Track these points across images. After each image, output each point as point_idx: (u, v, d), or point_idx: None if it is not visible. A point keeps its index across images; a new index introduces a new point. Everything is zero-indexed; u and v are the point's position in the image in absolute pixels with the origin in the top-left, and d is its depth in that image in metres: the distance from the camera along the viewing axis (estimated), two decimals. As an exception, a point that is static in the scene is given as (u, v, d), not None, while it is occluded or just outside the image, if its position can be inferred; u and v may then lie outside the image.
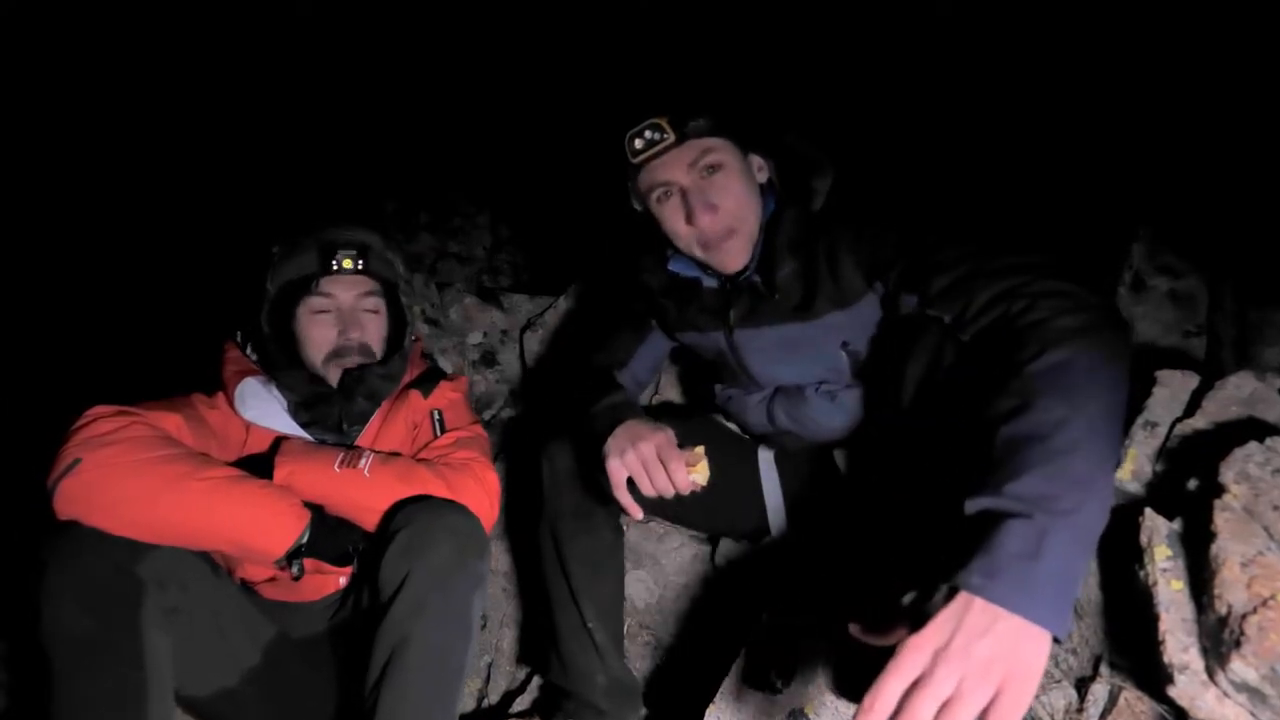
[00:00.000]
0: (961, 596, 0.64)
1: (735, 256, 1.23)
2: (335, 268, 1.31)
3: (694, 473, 1.10)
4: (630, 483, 1.12)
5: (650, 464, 1.10)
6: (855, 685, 0.93)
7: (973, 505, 0.72)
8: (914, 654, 0.62)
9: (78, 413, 1.11)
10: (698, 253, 1.24)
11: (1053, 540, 0.65)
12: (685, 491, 1.10)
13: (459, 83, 3.24)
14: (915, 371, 1.04)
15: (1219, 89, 1.75)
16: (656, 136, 1.16)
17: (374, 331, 1.37)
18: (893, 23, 2.48)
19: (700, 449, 1.12)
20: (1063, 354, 0.81)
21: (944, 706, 0.59)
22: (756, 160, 1.28)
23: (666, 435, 1.14)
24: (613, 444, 1.14)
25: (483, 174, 3.44)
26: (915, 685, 0.60)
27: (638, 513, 1.14)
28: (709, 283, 1.33)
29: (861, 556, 1.08)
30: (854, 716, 0.61)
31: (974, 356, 0.96)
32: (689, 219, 1.19)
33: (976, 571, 0.64)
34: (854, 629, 0.73)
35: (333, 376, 1.33)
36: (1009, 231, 1.11)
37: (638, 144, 1.17)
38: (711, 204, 1.17)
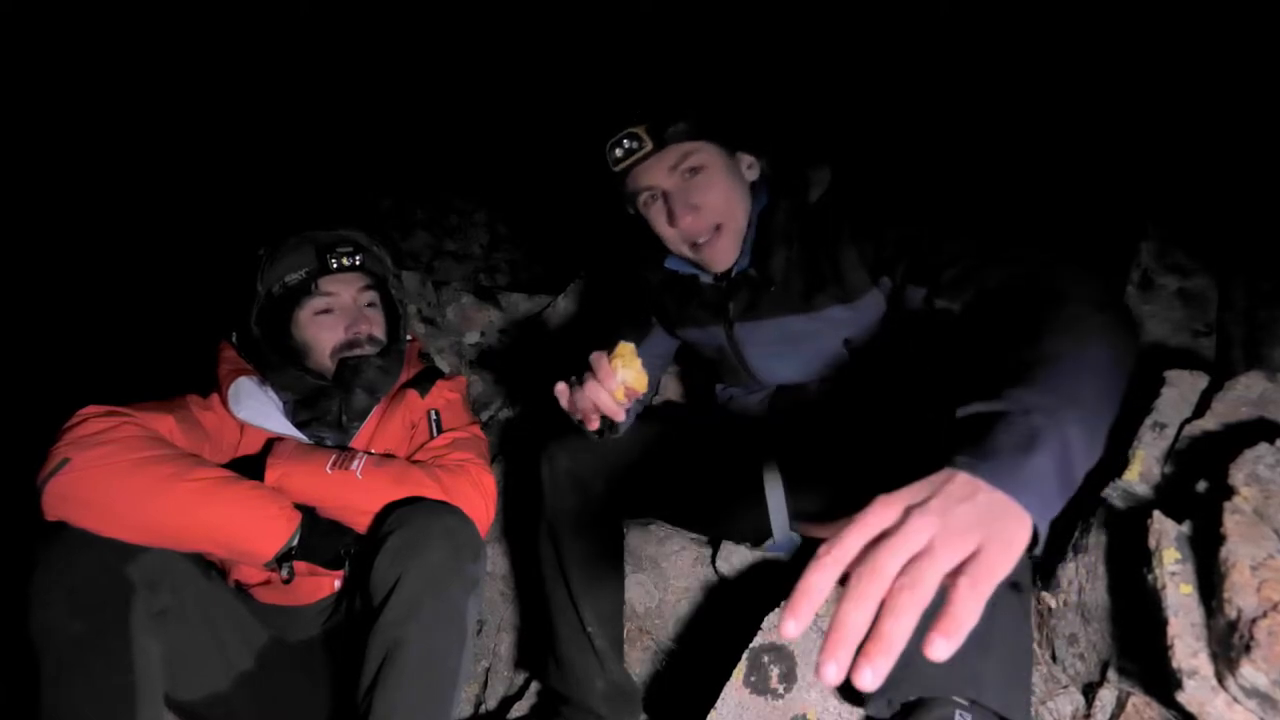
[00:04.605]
0: (943, 472, 0.58)
1: (723, 254, 1.23)
2: (335, 266, 1.31)
3: (616, 359, 1.03)
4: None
5: (584, 379, 1.06)
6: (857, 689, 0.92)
7: (966, 409, 0.67)
8: (883, 508, 0.54)
9: (71, 413, 1.10)
10: (687, 252, 1.25)
11: (1046, 444, 0.60)
12: (613, 387, 1.04)
13: (455, 79, 3.24)
14: (921, 368, 1.03)
15: (1228, 86, 1.73)
16: (634, 145, 1.18)
17: (378, 326, 1.38)
18: (896, 20, 2.47)
19: (628, 343, 1.06)
20: (1078, 310, 0.79)
21: (911, 561, 0.50)
22: (746, 158, 1.29)
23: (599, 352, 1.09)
24: None
25: (480, 170, 3.43)
26: (881, 538, 0.52)
27: (590, 421, 1.09)
28: (705, 279, 1.33)
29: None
30: (806, 567, 0.52)
31: (983, 324, 0.93)
32: (672, 221, 1.20)
33: (964, 453, 0.59)
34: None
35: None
36: (1016, 229, 1.10)
37: (617, 153, 1.19)
38: (693, 205, 1.18)
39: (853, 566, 0.51)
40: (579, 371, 1.10)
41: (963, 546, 0.51)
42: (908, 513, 0.53)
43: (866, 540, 0.53)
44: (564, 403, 1.09)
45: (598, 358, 1.05)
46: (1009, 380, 0.68)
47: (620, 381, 1.03)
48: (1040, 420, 0.62)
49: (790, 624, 0.50)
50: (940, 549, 0.50)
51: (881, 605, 0.49)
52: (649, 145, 1.17)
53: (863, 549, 0.52)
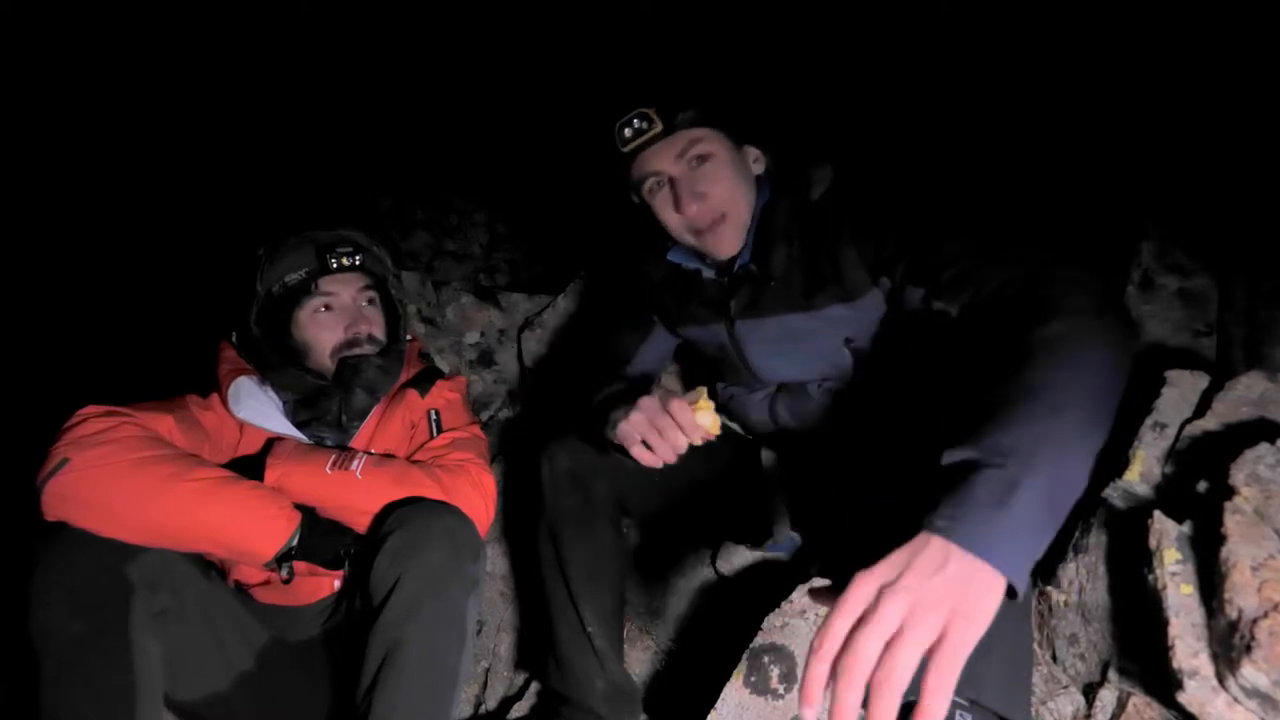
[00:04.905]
0: (920, 536, 0.62)
1: (727, 242, 1.23)
2: (335, 266, 1.31)
3: (699, 410, 1.04)
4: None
5: (655, 415, 1.04)
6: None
7: (950, 456, 0.70)
8: (860, 588, 0.60)
9: (71, 413, 1.10)
10: (691, 240, 1.25)
11: (1023, 494, 0.63)
12: (695, 437, 1.03)
13: (454, 79, 3.23)
14: (921, 369, 1.02)
15: (1229, 85, 1.73)
16: (644, 126, 1.18)
17: (378, 326, 1.38)
18: (896, 20, 2.47)
19: (702, 389, 1.06)
20: (1068, 326, 0.79)
21: (888, 644, 0.56)
22: (752, 152, 1.29)
23: (665, 391, 1.09)
24: (617, 416, 1.09)
25: (479, 170, 3.43)
26: (860, 621, 0.58)
27: (656, 461, 1.06)
28: (708, 273, 1.33)
29: (865, 556, 1.06)
30: (806, 658, 0.59)
31: (978, 332, 0.94)
32: (677, 207, 1.20)
33: (941, 515, 0.63)
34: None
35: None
36: (1016, 229, 1.10)
37: (626, 133, 1.19)
38: (699, 192, 1.19)
39: (840, 653, 0.58)
40: (611, 394, 1.08)
41: (933, 624, 0.57)
42: (881, 593, 0.59)
43: (850, 624, 0.59)
44: (646, 460, 1.05)
45: (680, 407, 1.03)
46: (994, 414, 0.71)
47: (699, 426, 1.04)
48: (1017, 472, 0.64)
49: (808, 711, 0.57)
50: (910, 631, 0.56)
51: (869, 687, 0.55)
52: (659, 126, 1.17)
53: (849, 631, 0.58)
